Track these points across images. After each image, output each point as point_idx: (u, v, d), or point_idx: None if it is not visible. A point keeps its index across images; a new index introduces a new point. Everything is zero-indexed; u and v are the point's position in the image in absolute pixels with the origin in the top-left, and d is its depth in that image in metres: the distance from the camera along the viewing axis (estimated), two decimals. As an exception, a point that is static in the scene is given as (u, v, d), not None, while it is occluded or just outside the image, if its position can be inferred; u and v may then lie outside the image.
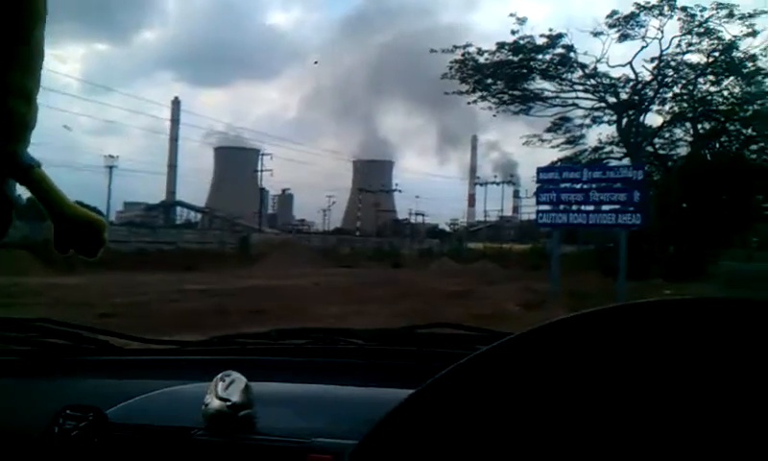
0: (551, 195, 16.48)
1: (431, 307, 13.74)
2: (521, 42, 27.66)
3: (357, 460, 0.76)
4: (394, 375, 1.35)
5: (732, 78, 27.90)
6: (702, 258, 29.76)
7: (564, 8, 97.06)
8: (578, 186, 16.38)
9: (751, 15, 25.39)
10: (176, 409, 1.20)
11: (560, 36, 27.43)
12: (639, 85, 28.18)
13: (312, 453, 1.00)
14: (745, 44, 26.20)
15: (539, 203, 17.00)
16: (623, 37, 27.14)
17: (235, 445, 1.06)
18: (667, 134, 31.74)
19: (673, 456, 0.63)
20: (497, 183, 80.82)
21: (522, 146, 37.41)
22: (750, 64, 26.78)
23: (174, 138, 75.84)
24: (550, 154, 31.73)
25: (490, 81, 28.74)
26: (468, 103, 30.11)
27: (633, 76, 27.93)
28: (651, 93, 28.54)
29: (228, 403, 1.07)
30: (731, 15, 25.46)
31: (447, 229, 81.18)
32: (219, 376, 1.13)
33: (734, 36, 26.10)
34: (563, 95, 29.19)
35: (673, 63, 27.62)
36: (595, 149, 31.49)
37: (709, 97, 29.05)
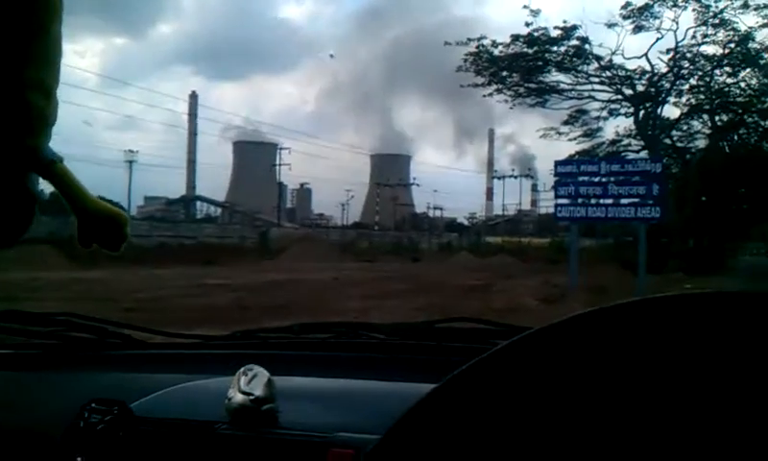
0: (569, 189, 16.33)
1: (450, 301, 13.73)
2: (536, 34, 27.50)
3: (378, 456, 0.77)
4: (415, 369, 1.35)
5: (748, 69, 27.57)
6: (722, 252, 29.50)
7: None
8: (596, 180, 16.24)
9: (766, 6, 24.98)
10: (199, 403, 1.21)
11: (574, 27, 27.25)
12: (656, 77, 27.93)
13: (334, 448, 1.00)
14: (761, 35, 25.90)
15: (557, 196, 16.85)
16: (638, 29, 26.92)
17: (258, 439, 1.07)
18: (685, 127, 31.56)
19: (700, 452, 0.63)
20: (515, 177, 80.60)
21: (539, 139, 37.15)
22: (766, 56, 26.46)
23: (193, 133, 76.33)
24: (567, 146, 31.49)
25: (505, 73, 28.56)
26: (484, 96, 30.01)
27: (648, 68, 27.74)
28: (667, 85, 28.27)
29: (251, 397, 1.08)
30: (746, 6, 25.11)
31: (466, 222, 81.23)
32: (242, 370, 1.13)
33: (750, 28, 25.83)
34: (578, 87, 29.05)
35: (689, 55, 27.33)
36: (613, 141, 31.37)
37: (726, 89, 28.72)
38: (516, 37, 27.85)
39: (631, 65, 27.94)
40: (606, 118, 30.30)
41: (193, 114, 75.65)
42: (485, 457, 0.69)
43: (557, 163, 17.40)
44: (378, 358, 1.54)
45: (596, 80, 28.56)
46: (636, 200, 15.65)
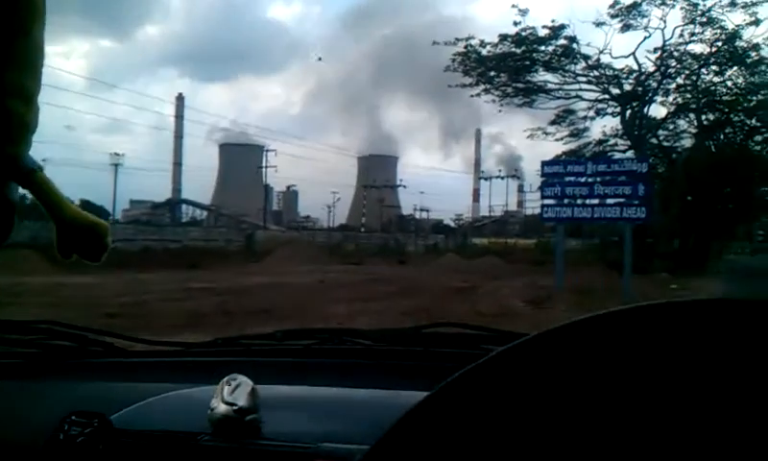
0: (556, 189, 16.41)
1: (437, 304, 13.72)
2: (524, 34, 27.63)
3: None
4: (402, 376, 1.34)
5: (735, 68, 27.77)
6: (707, 252, 29.72)
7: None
8: (582, 180, 16.32)
9: (753, 4, 25.19)
10: (181, 414, 1.19)
11: (562, 27, 27.39)
12: (643, 76, 28.10)
13: (319, 459, 0.99)
14: (748, 33, 26.11)
15: (543, 197, 16.87)
16: (625, 28, 27.08)
17: (242, 450, 1.05)
18: (671, 126, 31.78)
19: (695, 458, 0.62)
20: (502, 178, 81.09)
21: (526, 139, 37.38)
22: (753, 54, 26.66)
23: (179, 135, 76.04)
24: (554, 147, 31.62)
25: (493, 73, 28.65)
26: (472, 96, 30.07)
27: (636, 67, 27.94)
28: (654, 84, 28.45)
29: (235, 408, 1.07)
30: (733, 4, 25.32)
31: (452, 224, 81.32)
32: (225, 379, 1.12)
33: (737, 26, 26.00)
34: (566, 87, 29.18)
35: (676, 54, 27.55)
36: (599, 141, 31.49)
37: (713, 88, 28.91)
38: (504, 37, 27.95)
39: (618, 64, 28.23)
40: (593, 118, 30.49)
41: (179, 117, 75.40)
42: None
43: (543, 163, 17.49)
44: (364, 365, 1.51)
45: (583, 79, 28.76)
46: (621, 200, 15.75)
